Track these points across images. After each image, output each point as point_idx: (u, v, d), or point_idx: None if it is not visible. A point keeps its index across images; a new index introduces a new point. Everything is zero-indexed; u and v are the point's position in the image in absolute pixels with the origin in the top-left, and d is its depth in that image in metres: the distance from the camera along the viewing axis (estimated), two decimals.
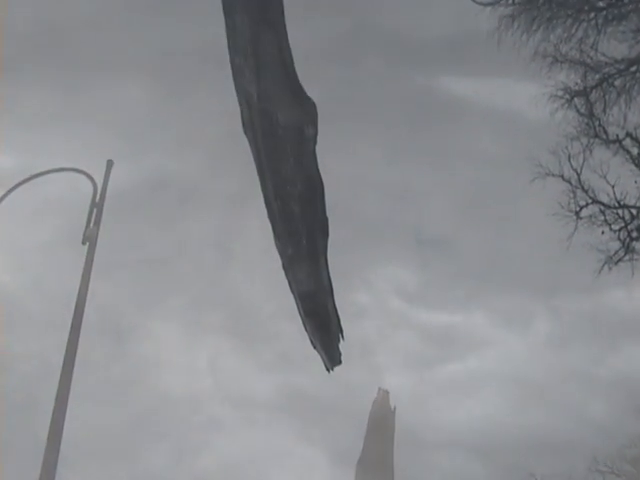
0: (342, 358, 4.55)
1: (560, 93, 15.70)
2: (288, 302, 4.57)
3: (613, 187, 15.55)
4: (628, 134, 15.55)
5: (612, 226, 15.67)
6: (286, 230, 4.41)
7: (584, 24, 15.15)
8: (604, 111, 15.60)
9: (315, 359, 4.60)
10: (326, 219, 4.47)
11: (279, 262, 4.51)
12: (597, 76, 15.58)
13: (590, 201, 15.85)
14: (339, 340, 4.50)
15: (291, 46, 4.36)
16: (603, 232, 15.70)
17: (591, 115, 15.73)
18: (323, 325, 4.47)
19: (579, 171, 15.79)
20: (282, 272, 4.52)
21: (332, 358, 4.51)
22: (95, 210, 14.10)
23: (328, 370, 4.57)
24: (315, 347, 4.55)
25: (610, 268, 15.52)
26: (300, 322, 4.55)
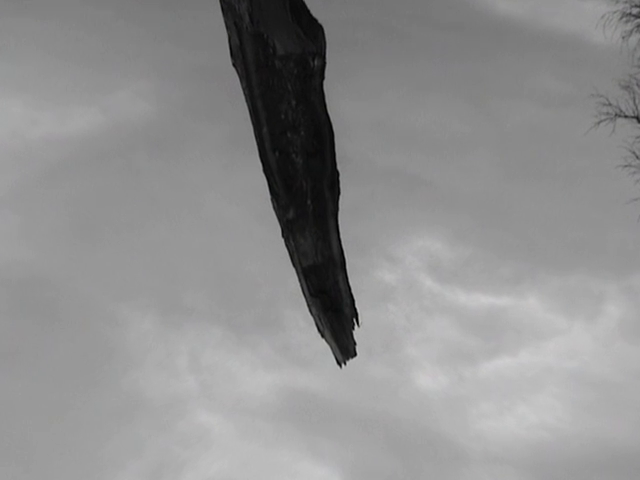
0: (358, 349, 4.56)
1: (635, 11, 15.66)
2: (289, 279, 4.59)
3: None
4: None
5: None
6: (286, 188, 4.42)
7: None
8: None
9: (325, 352, 4.61)
10: (337, 174, 4.47)
11: (277, 228, 4.53)
12: None
13: None
14: (353, 326, 4.51)
15: None
16: None
17: None
18: (333, 307, 4.48)
19: None
20: (281, 241, 4.53)
21: (344, 349, 4.52)
22: None
23: (340, 364, 4.58)
24: (323, 335, 4.56)
25: None
26: (305, 304, 4.57)
